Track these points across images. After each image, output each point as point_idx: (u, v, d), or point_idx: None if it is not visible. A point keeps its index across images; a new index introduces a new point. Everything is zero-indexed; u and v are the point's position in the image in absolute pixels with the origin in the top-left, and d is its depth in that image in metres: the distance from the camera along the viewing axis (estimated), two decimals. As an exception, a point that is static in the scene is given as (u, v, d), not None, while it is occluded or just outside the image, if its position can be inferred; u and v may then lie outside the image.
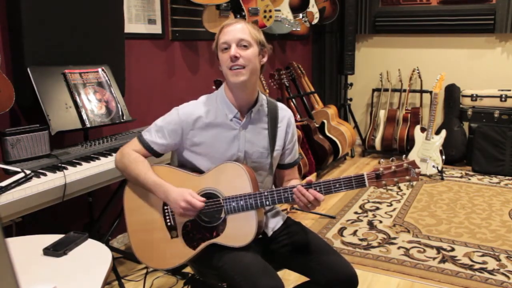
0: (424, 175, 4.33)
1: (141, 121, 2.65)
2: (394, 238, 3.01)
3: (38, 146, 1.99)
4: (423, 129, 4.51)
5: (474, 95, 4.66)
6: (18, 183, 1.69)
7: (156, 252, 1.66)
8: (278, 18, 4.00)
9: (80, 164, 1.96)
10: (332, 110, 4.82)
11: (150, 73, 3.09)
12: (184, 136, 1.64)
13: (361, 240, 3.00)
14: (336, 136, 4.52)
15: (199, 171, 1.65)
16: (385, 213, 3.46)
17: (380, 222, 3.29)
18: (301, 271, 1.67)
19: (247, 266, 1.50)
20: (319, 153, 4.24)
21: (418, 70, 5.06)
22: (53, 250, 1.33)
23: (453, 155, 4.63)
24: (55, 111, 2.10)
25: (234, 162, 1.60)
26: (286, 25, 4.11)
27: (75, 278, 1.22)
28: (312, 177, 1.58)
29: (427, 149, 4.39)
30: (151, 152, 1.67)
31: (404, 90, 5.13)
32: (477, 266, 2.64)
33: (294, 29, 4.20)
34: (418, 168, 1.51)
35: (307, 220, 3.32)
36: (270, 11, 3.75)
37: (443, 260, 2.71)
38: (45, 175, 1.82)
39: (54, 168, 1.88)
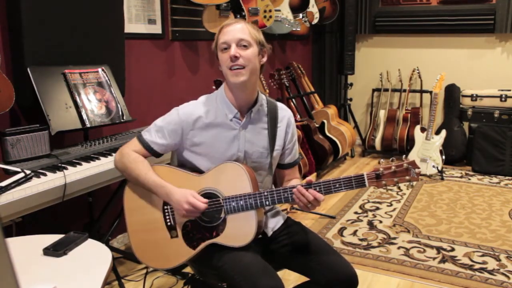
0: (424, 175, 4.33)
1: (141, 121, 2.65)
2: (394, 238, 3.01)
3: (38, 146, 1.99)
4: (423, 129, 4.51)
5: (474, 95, 4.66)
6: (18, 183, 1.69)
7: (156, 252, 1.66)
8: (278, 18, 4.00)
9: (80, 164, 1.96)
10: (332, 110, 4.83)
11: (150, 73, 3.09)
12: (184, 136, 1.64)
13: (361, 240, 3.00)
14: (336, 136, 4.52)
15: (199, 171, 1.65)
16: (385, 213, 3.46)
17: (380, 222, 3.29)
18: (301, 271, 1.67)
19: (247, 266, 1.50)
20: (319, 153, 4.24)
21: (418, 70, 5.06)
22: (53, 250, 1.33)
23: (453, 155, 4.63)
24: (55, 111, 2.10)
25: (234, 162, 1.60)
26: (286, 25, 4.11)
27: (75, 278, 1.22)
28: (312, 177, 1.58)
29: (427, 149, 4.39)
30: (151, 152, 1.67)
31: (404, 90, 5.13)
32: (477, 266, 2.64)
33: (294, 29, 4.20)
34: (418, 168, 1.51)
35: (307, 220, 3.32)
36: (270, 11, 3.75)
37: (443, 260, 2.71)
38: (45, 175, 1.82)
39: (54, 168, 1.88)
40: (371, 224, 3.25)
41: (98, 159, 2.05)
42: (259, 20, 3.68)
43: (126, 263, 2.68)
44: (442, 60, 5.02)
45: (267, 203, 1.55)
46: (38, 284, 1.16)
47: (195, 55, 3.52)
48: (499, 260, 2.70)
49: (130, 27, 2.86)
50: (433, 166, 4.30)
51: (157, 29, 3.10)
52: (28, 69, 2.08)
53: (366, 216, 3.41)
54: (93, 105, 2.26)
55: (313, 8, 4.62)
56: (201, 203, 1.54)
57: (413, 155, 4.42)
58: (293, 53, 5.08)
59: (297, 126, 3.37)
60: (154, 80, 3.13)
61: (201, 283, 1.89)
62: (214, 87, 3.37)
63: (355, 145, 5.16)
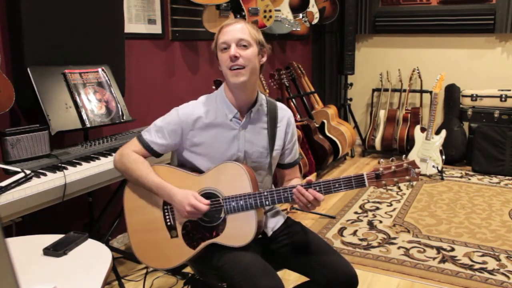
0: (424, 175, 4.33)
1: (141, 121, 2.65)
2: (394, 238, 3.01)
3: (38, 146, 1.99)
4: (423, 129, 4.51)
5: (474, 95, 4.66)
6: (18, 183, 1.69)
7: (156, 252, 1.66)
8: (278, 18, 4.00)
9: (80, 164, 1.96)
10: (332, 110, 4.82)
11: (150, 73, 3.09)
12: (184, 137, 1.64)
13: (361, 240, 3.00)
14: (336, 136, 4.52)
15: (199, 171, 1.65)
16: (385, 213, 3.46)
17: (380, 222, 3.29)
18: (301, 271, 1.67)
19: (247, 266, 1.50)
20: (319, 153, 4.24)
21: (418, 70, 5.06)
22: (53, 250, 1.33)
23: (453, 155, 4.63)
24: (55, 111, 2.10)
25: (234, 162, 1.60)
26: (286, 25, 4.11)
27: (75, 278, 1.22)
28: (312, 177, 1.58)
29: (427, 149, 4.39)
30: (151, 152, 1.67)
31: (404, 90, 5.13)
32: (477, 266, 2.64)
33: (294, 29, 4.20)
34: (418, 168, 1.51)
35: (307, 220, 3.32)
36: (270, 11, 3.75)
37: (443, 260, 2.71)
38: (45, 175, 1.82)
39: (54, 168, 1.88)
40: (371, 224, 3.25)
41: (98, 159, 2.05)
42: (259, 20, 3.68)
43: (126, 263, 2.68)
44: (442, 60, 5.02)
45: (267, 203, 1.55)
46: (38, 284, 1.16)
47: (195, 55, 3.52)
48: (499, 260, 2.70)
49: (130, 27, 2.86)
50: (433, 166, 4.30)
51: (157, 29, 3.10)
52: (28, 69, 2.08)
53: (366, 216, 3.41)
54: (93, 105, 2.26)
55: (313, 8, 4.62)
56: (203, 204, 1.54)
57: (413, 155, 4.42)
58: (293, 53, 5.08)
59: (297, 126, 3.37)
60: (154, 80, 3.13)
61: (201, 283, 1.89)
62: (214, 87, 3.37)
63: (355, 145, 5.16)
